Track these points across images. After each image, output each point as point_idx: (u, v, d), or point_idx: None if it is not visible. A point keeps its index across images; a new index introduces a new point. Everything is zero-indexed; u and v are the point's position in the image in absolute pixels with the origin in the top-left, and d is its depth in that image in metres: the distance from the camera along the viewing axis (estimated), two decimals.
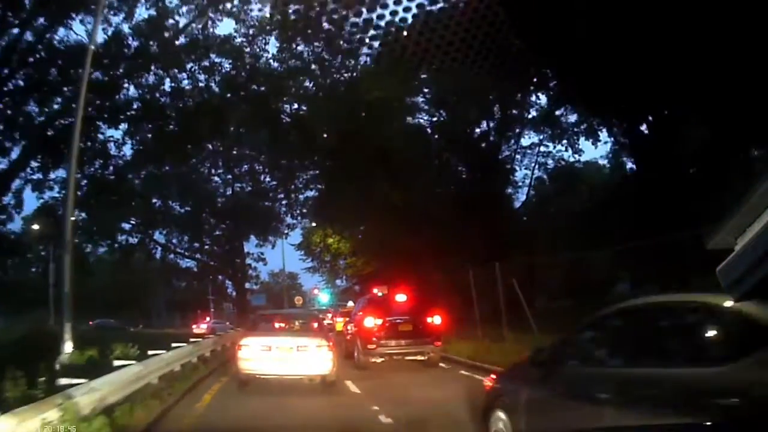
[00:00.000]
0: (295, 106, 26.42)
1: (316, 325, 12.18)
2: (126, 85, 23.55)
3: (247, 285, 48.72)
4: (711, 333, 3.49)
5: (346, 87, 23.71)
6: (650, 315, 4.00)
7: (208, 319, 60.16)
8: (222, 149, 33.56)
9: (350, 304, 28.58)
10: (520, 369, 5.64)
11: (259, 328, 11.87)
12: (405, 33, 10.46)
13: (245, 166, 36.73)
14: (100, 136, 24.95)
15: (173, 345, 12.62)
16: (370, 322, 14.13)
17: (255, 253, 46.67)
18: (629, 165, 25.92)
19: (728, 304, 3.09)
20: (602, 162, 31.62)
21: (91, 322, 45.26)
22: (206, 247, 42.60)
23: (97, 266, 44.85)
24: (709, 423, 2.81)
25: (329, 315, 28.81)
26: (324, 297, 53.19)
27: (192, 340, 15.75)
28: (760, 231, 2.25)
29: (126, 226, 35.46)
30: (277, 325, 12.51)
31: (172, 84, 24.14)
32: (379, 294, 16.26)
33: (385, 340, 13.81)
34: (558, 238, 24.01)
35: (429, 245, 22.91)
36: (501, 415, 5.11)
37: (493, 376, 6.28)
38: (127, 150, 26.59)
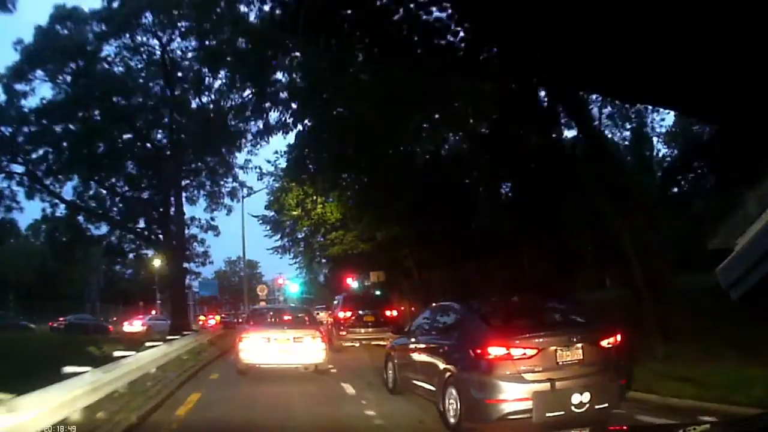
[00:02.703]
0: None
1: (308, 319, 13.55)
2: None
3: (192, 266, 35.47)
4: (447, 320, 7.69)
5: None
6: (435, 309, 8.54)
7: (153, 312, 51.03)
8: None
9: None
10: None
11: (257, 323, 12.90)
12: None
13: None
14: None
15: None
16: (341, 314, 17.27)
17: (203, 219, 32.59)
18: None
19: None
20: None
21: (61, 319, 34.37)
22: (124, 194, 28.56)
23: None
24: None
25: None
26: (294, 287, 45.00)
27: None
28: (760, 231, 2.40)
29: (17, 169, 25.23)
30: (272, 319, 13.72)
31: None
32: (354, 286, 18.90)
33: (353, 329, 16.85)
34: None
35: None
36: (390, 364, 9.28)
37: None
38: None
